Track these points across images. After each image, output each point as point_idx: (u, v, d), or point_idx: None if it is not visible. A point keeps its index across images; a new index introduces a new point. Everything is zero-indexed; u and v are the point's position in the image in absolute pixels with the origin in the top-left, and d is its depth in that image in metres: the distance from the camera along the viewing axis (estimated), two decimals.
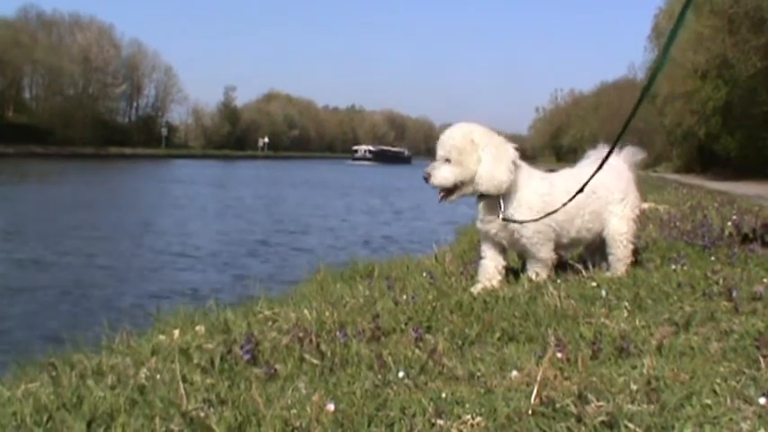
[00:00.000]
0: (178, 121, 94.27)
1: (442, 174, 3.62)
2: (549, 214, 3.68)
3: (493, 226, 3.73)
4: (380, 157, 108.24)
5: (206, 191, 32.41)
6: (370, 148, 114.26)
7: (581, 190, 3.66)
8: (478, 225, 3.84)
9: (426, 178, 3.63)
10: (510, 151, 3.66)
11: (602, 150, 4.22)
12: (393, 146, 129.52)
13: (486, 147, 3.62)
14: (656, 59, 52.53)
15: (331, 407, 1.95)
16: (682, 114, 41.78)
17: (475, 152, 3.60)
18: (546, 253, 3.78)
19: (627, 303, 3.09)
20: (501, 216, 3.64)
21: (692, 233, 5.27)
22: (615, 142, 3.77)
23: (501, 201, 3.66)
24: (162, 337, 3.06)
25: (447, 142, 3.63)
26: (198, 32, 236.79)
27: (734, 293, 3.02)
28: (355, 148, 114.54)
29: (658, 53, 52.07)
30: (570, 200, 3.67)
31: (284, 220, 19.90)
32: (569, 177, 3.98)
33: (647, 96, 4.02)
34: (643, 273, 3.79)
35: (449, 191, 3.65)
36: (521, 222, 3.65)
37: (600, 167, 3.67)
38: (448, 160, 3.61)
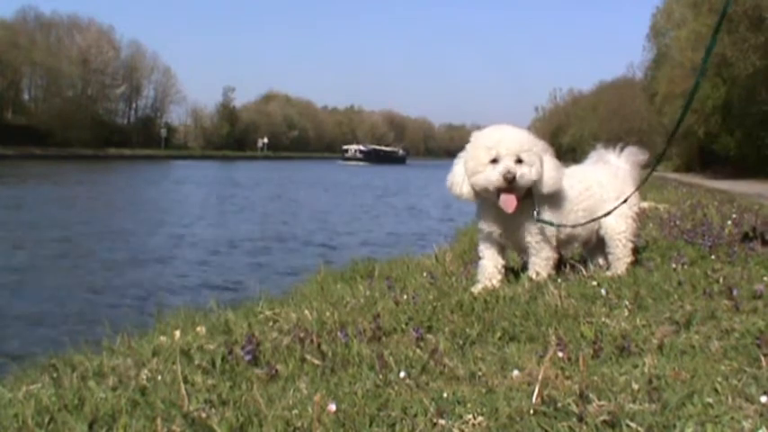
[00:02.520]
0: (177, 122, 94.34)
1: (529, 174, 3.53)
2: (593, 220, 3.82)
3: (499, 227, 3.72)
4: (372, 157, 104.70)
5: (206, 191, 32.41)
6: (361, 147, 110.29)
7: (625, 201, 3.83)
8: (482, 226, 3.81)
9: (511, 179, 3.48)
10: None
11: (601, 151, 4.27)
12: (391, 146, 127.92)
13: (546, 151, 3.69)
14: (655, 58, 52.56)
15: (332, 407, 1.95)
16: None
17: (539, 155, 3.62)
18: (549, 251, 3.79)
19: (627, 302, 3.09)
20: (536, 217, 3.65)
21: (692, 232, 5.28)
22: (668, 145, 3.88)
23: (536, 202, 3.66)
24: (163, 338, 3.06)
25: (519, 143, 3.56)
26: (196, 33, 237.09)
27: (734, 292, 3.02)
28: (345, 147, 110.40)
29: (656, 53, 52.13)
30: (616, 208, 3.83)
31: (271, 222, 19.92)
32: (567, 176, 4.00)
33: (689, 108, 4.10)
34: (643, 272, 3.79)
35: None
36: (554, 225, 3.70)
37: (652, 171, 3.88)
38: (520, 161, 3.53)
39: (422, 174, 62.33)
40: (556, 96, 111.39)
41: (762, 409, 1.84)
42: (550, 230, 3.76)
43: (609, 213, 3.85)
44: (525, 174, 3.51)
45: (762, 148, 33.62)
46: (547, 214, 3.72)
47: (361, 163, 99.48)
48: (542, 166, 3.62)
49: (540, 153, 3.65)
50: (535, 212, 3.65)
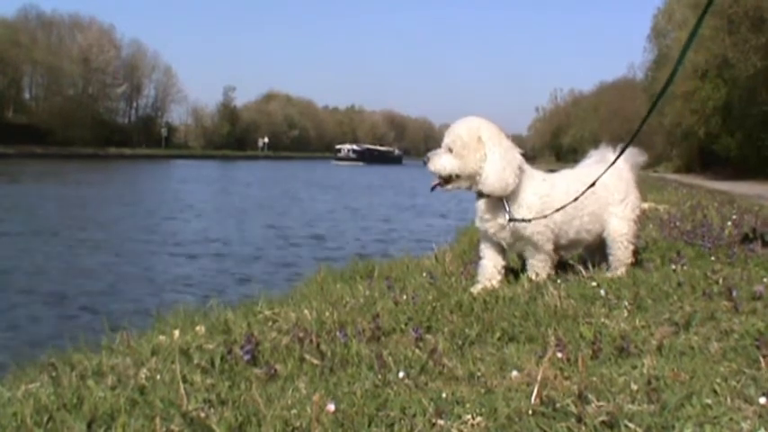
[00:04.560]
0: (178, 122, 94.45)
1: (441, 162, 3.64)
2: (557, 210, 3.70)
3: (492, 225, 3.73)
4: (366, 157, 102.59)
5: (207, 190, 32.43)
6: (355, 147, 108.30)
7: (576, 199, 3.71)
8: (478, 224, 3.84)
9: (425, 162, 3.69)
10: (517, 156, 3.67)
11: (604, 150, 4.24)
12: (390, 145, 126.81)
13: (495, 147, 3.61)
14: (656, 59, 52.57)
15: (331, 407, 1.95)
16: (681, 114, 41.82)
17: (479, 149, 3.59)
18: (544, 254, 3.78)
19: (627, 303, 3.09)
20: (507, 216, 3.64)
21: (692, 233, 5.27)
22: (628, 143, 3.85)
23: (506, 201, 3.65)
24: (162, 338, 3.06)
25: (453, 132, 3.64)
26: (197, 32, 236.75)
27: (734, 293, 3.02)
28: (338, 147, 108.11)
29: (657, 53, 52.14)
30: (572, 201, 3.70)
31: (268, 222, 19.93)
32: (571, 177, 3.98)
33: (659, 103, 4.03)
34: (643, 273, 3.79)
35: (445, 180, 3.68)
36: (527, 221, 3.65)
37: (617, 157, 3.84)
38: (450, 150, 3.62)
39: (418, 174, 61.62)
40: (556, 97, 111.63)
41: (760, 410, 1.84)
42: (542, 232, 3.74)
43: (562, 208, 3.73)
44: (436, 164, 3.64)
45: (762, 149, 33.63)
46: (549, 219, 3.70)
47: (354, 163, 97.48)
48: (482, 163, 3.59)
49: (487, 150, 3.59)
50: (507, 212, 3.64)
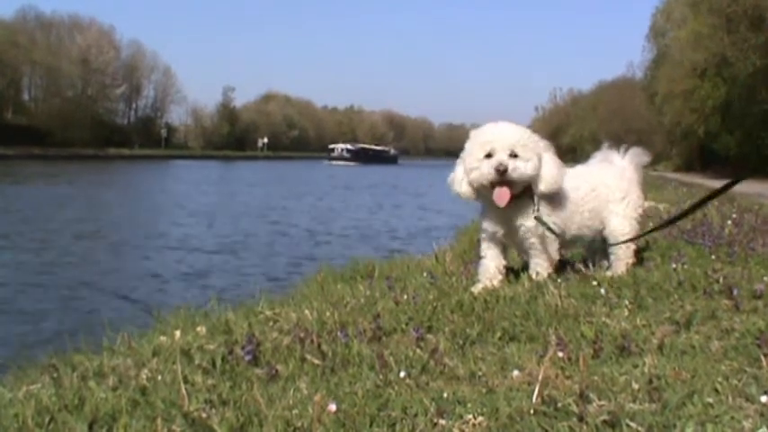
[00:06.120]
0: (177, 122, 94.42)
1: (523, 167, 3.48)
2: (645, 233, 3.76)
3: (502, 226, 3.70)
4: (360, 157, 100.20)
5: (208, 190, 32.42)
6: (348, 146, 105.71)
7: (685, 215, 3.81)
8: (485, 225, 3.77)
9: (502, 171, 3.44)
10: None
11: (606, 151, 4.27)
12: (387, 145, 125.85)
13: (547, 149, 3.65)
14: (655, 58, 52.60)
15: (332, 407, 1.95)
16: (681, 113, 41.86)
17: (537, 152, 3.58)
18: (554, 252, 3.78)
19: (628, 302, 3.09)
20: (534, 214, 3.61)
21: (693, 232, 5.28)
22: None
23: (536, 201, 3.63)
24: (163, 338, 3.06)
25: (514, 137, 3.53)
26: (196, 33, 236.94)
27: (734, 292, 3.02)
28: (332, 146, 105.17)
29: (656, 53, 52.17)
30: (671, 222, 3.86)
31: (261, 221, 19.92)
32: (572, 177, 3.99)
33: None
34: (643, 271, 3.79)
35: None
36: (554, 231, 3.66)
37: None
38: (514, 155, 3.49)
39: (413, 175, 60.34)
40: (556, 96, 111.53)
41: (762, 408, 1.84)
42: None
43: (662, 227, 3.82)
44: (518, 167, 3.47)
45: (762, 147, 33.66)
46: (551, 215, 3.70)
47: (348, 163, 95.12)
48: (541, 164, 3.58)
49: (540, 150, 3.62)
50: (534, 211, 3.61)
